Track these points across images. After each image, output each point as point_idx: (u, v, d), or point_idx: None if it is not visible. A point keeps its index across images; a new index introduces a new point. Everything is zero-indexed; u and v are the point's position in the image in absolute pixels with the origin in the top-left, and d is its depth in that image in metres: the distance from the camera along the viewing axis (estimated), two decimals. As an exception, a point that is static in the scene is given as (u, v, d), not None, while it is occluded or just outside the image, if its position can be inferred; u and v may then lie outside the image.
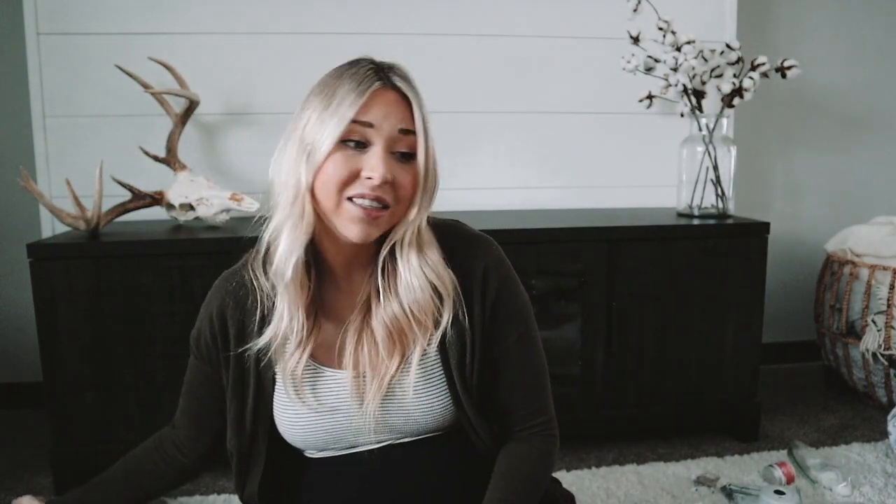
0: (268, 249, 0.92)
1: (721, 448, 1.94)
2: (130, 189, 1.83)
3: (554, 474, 1.09)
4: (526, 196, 2.27)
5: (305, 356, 0.93)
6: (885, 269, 2.09)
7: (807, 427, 2.09)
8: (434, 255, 0.92)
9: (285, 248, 0.88)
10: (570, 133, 2.27)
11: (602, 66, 2.23)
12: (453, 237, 0.96)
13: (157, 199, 1.86)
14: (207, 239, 1.72)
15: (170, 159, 1.90)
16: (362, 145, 0.85)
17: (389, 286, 0.92)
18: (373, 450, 0.95)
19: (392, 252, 0.92)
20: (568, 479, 1.75)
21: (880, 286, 2.08)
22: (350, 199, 0.85)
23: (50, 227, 2.00)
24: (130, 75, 1.88)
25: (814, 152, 2.61)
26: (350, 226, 0.86)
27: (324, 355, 0.95)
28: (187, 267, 1.68)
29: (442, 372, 0.94)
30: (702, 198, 2.10)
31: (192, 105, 1.91)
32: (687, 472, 1.79)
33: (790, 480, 1.70)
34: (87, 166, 1.86)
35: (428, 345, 0.93)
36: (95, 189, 1.71)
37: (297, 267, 0.88)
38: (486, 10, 2.18)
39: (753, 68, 2.03)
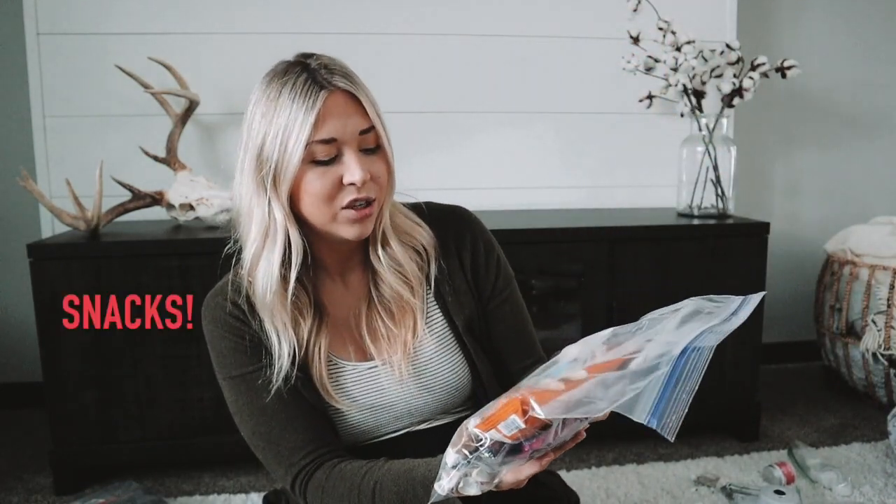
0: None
1: (721, 448, 1.94)
2: (130, 189, 1.83)
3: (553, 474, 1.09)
4: (526, 196, 2.27)
5: (324, 356, 0.93)
6: (885, 269, 2.08)
7: (807, 427, 2.09)
8: (406, 223, 0.97)
9: (265, 280, 0.88)
10: (570, 133, 2.27)
11: (602, 66, 2.23)
12: (431, 211, 1.02)
13: (157, 199, 1.86)
14: (207, 239, 1.72)
15: (170, 159, 1.90)
16: (332, 159, 0.85)
17: (383, 266, 0.95)
18: (392, 438, 0.97)
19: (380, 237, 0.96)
20: (568, 479, 1.74)
21: (880, 286, 2.08)
22: (342, 207, 0.86)
23: (50, 227, 2.00)
24: (130, 75, 1.88)
25: (814, 152, 2.61)
26: (348, 229, 0.88)
27: (346, 351, 0.96)
28: (187, 267, 1.68)
29: (449, 329, 0.98)
30: (702, 198, 2.09)
31: (192, 105, 1.91)
32: (687, 472, 1.79)
33: (790, 480, 1.69)
34: (87, 166, 1.86)
35: (427, 302, 0.97)
36: (95, 189, 1.71)
37: (280, 293, 0.89)
38: (486, 10, 2.18)
39: (753, 68, 2.03)
